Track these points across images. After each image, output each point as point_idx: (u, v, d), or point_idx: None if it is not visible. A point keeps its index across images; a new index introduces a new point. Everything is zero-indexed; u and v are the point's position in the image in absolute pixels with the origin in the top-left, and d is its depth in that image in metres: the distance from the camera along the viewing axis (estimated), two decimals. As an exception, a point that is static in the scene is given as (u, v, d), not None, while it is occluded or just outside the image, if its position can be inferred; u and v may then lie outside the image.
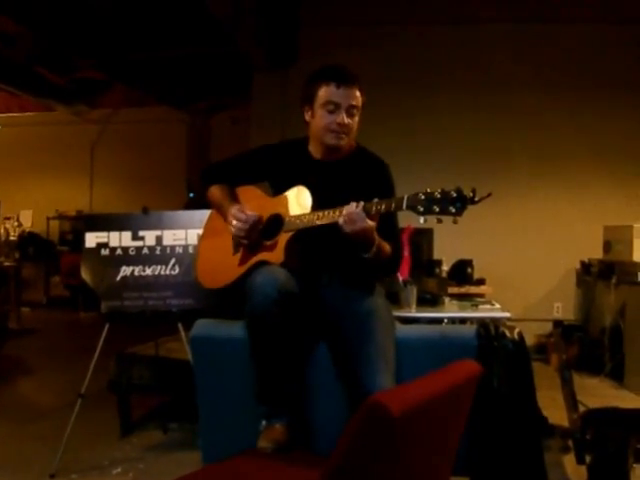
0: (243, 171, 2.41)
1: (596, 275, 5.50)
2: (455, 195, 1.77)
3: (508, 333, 2.18)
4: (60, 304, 9.09)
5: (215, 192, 2.40)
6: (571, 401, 2.94)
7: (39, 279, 9.52)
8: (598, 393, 4.46)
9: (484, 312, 3.47)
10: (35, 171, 10.24)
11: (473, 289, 4.37)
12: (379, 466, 1.26)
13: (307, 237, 2.12)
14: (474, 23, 6.09)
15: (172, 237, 3.40)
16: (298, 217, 2.12)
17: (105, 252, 3.39)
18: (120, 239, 3.40)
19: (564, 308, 6.15)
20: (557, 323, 5.40)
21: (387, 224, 2.11)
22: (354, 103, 2.18)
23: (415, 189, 1.85)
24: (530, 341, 5.44)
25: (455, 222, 1.78)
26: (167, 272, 3.37)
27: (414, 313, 3.31)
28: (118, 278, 3.36)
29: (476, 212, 1.93)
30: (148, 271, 3.37)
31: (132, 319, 3.55)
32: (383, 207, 1.92)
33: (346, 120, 2.17)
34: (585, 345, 5.35)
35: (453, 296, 3.96)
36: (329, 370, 2.15)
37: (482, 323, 2.25)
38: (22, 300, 7.88)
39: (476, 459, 2.11)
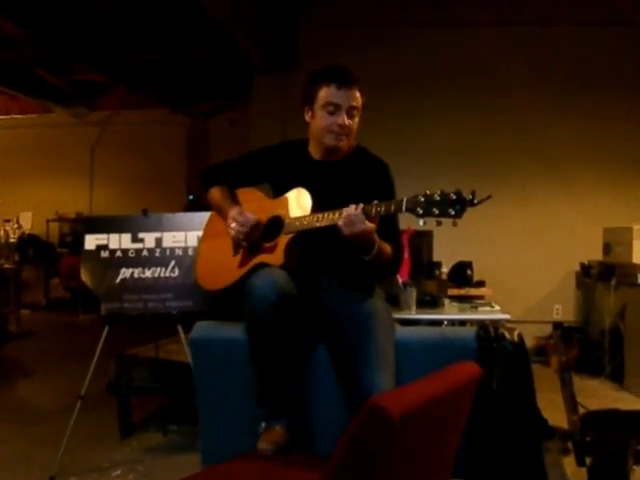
0: (243, 173, 2.41)
1: (596, 277, 5.50)
2: (454, 197, 1.77)
3: (508, 335, 2.18)
4: (60, 306, 9.10)
5: (215, 194, 2.40)
6: (571, 403, 2.94)
7: (39, 281, 9.52)
8: (598, 395, 4.46)
9: (484, 314, 3.47)
10: (35, 173, 10.25)
11: (473, 291, 4.37)
12: (379, 468, 1.26)
13: (307, 239, 2.12)
14: (474, 25, 6.09)
15: (172, 239, 3.40)
16: (298, 219, 2.13)
17: (105, 254, 3.39)
18: (120, 241, 3.40)
19: (564, 310, 6.15)
20: (557, 325, 5.41)
21: (388, 225, 2.11)
22: (354, 104, 2.18)
23: (414, 191, 1.85)
24: (530, 343, 5.43)
25: (454, 224, 1.79)
26: (167, 274, 3.37)
27: (414, 315, 3.31)
28: (118, 280, 3.36)
29: (475, 214, 1.93)
30: (148, 273, 3.37)
31: (132, 321, 3.55)
32: (383, 209, 1.92)
33: (346, 121, 2.18)
34: (585, 347, 5.35)
35: (453, 298, 3.95)
36: (329, 372, 2.14)
37: (482, 325, 2.25)
38: (22, 302, 7.88)
39: (476, 461, 2.11)
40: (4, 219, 8.08)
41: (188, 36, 6.41)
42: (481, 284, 4.53)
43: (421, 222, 1.83)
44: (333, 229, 1.98)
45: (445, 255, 4.36)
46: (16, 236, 7.84)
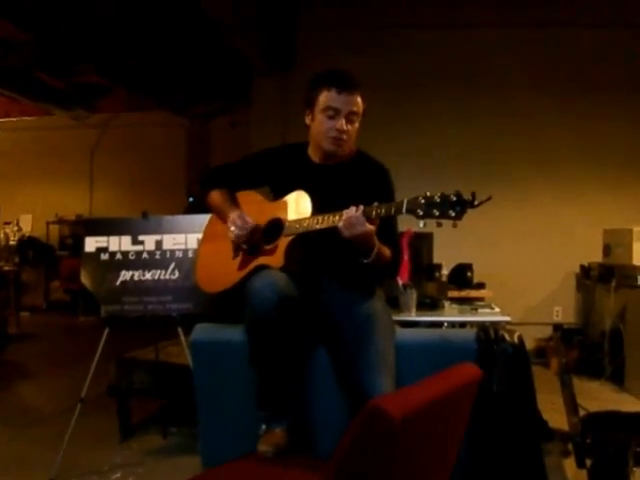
0: (243, 175, 2.41)
1: (596, 279, 5.50)
2: (455, 199, 1.77)
3: (508, 337, 2.18)
4: (60, 309, 9.10)
5: (215, 196, 2.40)
6: (571, 405, 2.94)
7: (39, 284, 9.52)
8: (598, 397, 4.46)
9: (484, 316, 3.46)
10: (35, 175, 10.24)
11: (473, 293, 4.37)
12: (379, 470, 1.25)
13: (307, 241, 2.12)
14: (474, 27, 6.10)
15: (172, 241, 3.40)
16: (298, 221, 2.13)
17: (105, 257, 3.39)
18: (120, 243, 3.40)
19: (564, 312, 6.14)
20: (557, 327, 5.42)
21: (387, 228, 2.11)
22: (354, 109, 2.18)
23: (414, 193, 1.85)
24: (530, 345, 5.43)
25: (455, 226, 1.79)
26: (167, 276, 3.36)
27: (414, 317, 3.31)
28: (118, 283, 3.36)
29: (476, 216, 1.92)
30: (148, 275, 3.37)
31: (132, 324, 3.54)
32: (383, 211, 1.92)
33: (345, 126, 2.17)
34: (585, 349, 5.35)
35: (453, 300, 3.95)
36: (329, 374, 2.14)
37: (482, 327, 2.25)
38: (22, 305, 7.89)
39: (476, 463, 2.11)
40: (4, 221, 8.09)
41: (188, 38, 6.41)
42: (481, 286, 4.53)
43: (421, 224, 1.83)
44: (333, 231, 1.98)
45: (445, 257, 4.36)
46: (16, 238, 7.84)
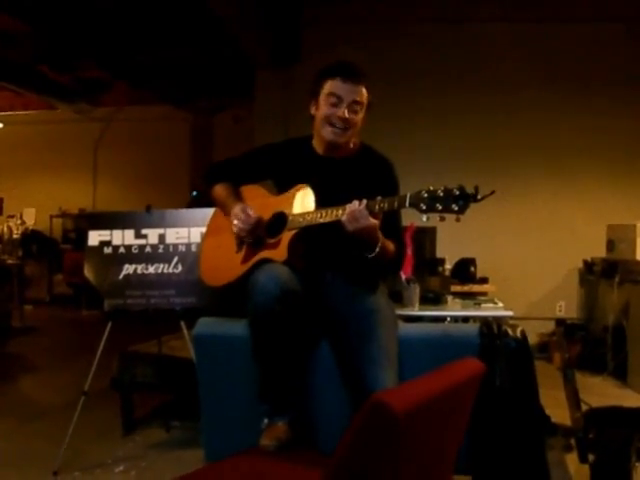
0: (247, 169, 2.41)
1: (599, 274, 5.49)
2: (458, 193, 1.76)
3: (511, 332, 2.18)
4: (63, 302, 9.11)
5: (219, 190, 2.40)
6: (574, 400, 2.94)
7: (42, 277, 9.52)
8: (601, 392, 4.45)
9: (487, 311, 3.46)
10: (38, 169, 10.27)
11: (476, 287, 4.37)
12: (382, 464, 1.26)
13: (310, 235, 2.12)
14: (477, 22, 6.07)
15: (175, 235, 3.40)
16: (301, 215, 2.12)
17: (108, 250, 3.40)
18: (123, 237, 3.40)
19: (567, 307, 6.14)
20: (560, 322, 5.41)
21: (390, 222, 2.11)
22: (358, 99, 2.18)
23: (417, 187, 1.84)
24: (533, 340, 5.44)
25: (458, 220, 1.78)
26: (170, 270, 3.37)
27: (417, 311, 3.31)
28: (121, 276, 3.36)
29: (479, 210, 1.92)
30: (151, 269, 3.37)
31: (135, 317, 3.55)
32: (386, 205, 1.91)
33: (347, 114, 2.17)
34: (588, 344, 5.34)
35: (456, 294, 3.95)
36: (332, 368, 2.14)
37: (485, 321, 2.25)
38: (25, 298, 7.89)
39: (478, 458, 2.11)
40: (8, 215, 8.09)
41: (191, 33, 6.41)
42: (484, 281, 4.54)
43: (424, 218, 1.83)
44: (337, 225, 1.98)
45: (448, 252, 4.36)
46: (19, 232, 7.86)
